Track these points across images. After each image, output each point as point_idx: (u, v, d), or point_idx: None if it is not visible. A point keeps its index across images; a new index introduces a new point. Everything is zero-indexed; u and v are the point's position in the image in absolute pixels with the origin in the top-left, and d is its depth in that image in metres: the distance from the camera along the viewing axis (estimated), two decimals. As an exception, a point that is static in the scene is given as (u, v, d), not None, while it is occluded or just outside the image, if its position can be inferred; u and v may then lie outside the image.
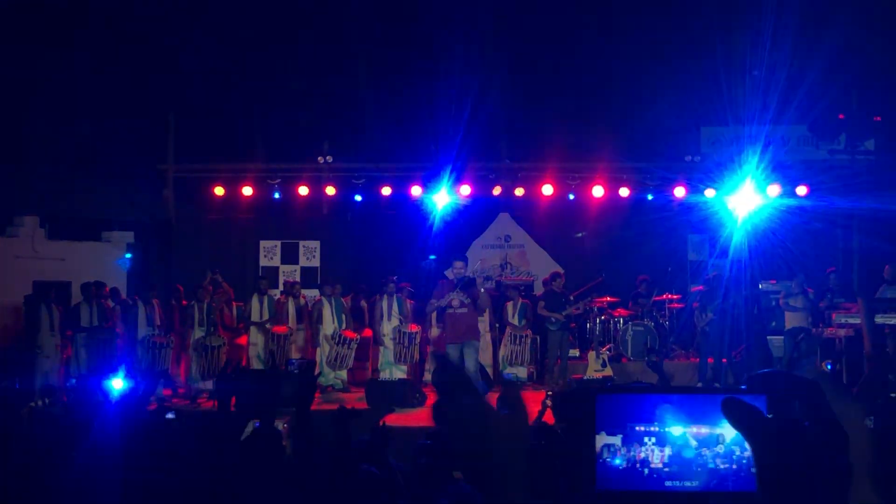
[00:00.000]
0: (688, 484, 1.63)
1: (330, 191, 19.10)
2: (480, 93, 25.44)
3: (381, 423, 5.81)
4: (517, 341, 15.37)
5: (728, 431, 1.61)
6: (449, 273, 17.57)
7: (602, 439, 1.63)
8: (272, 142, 24.44)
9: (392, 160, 23.19)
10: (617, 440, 1.63)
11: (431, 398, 14.25)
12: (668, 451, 1.63)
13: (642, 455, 1.63)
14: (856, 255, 18.13)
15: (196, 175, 19.48)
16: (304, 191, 18.90)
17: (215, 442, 5.22)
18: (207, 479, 4.39)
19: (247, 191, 18.82)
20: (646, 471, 1.64)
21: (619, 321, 16.40)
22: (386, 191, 18.86)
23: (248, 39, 24.87)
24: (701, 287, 16.08)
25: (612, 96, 25.18)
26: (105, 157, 26.68)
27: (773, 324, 16.00)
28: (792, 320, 15.26)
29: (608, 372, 14.45)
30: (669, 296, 17.07)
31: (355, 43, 25.47)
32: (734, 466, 1.63)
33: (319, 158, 19.23)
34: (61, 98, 26.76)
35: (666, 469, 1.64)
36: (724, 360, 15.10)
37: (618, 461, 1.63)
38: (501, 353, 15.51)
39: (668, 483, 1.64)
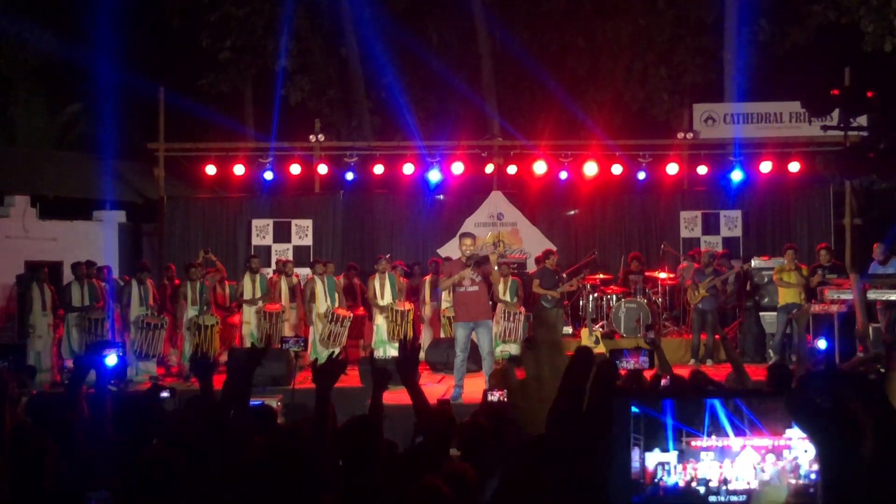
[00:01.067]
0: (734, 499, 1.51)
1: (322, 169, 19.07)
2: (473, 72, 25.42)
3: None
4: (510, 318, 15.30)
5: (793, 441, 1.50)
6: (444, 251, 17.64)
7: (655, 457, 1.49)
8: (264, 120, 24.43)
9: (384, 138, 23.20)
10: (672, 457, 1.50)
11: (425, 375, 14.26)
12: (727, 465, 1.51)
13: (699, 474, 1.51)
14: (847, 232, 18.13)
15: (187, 154, 19.40)
16: (295, 169, 18.87)
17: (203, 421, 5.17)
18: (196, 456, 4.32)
19: (238, 170, 18.76)
20: (702, 489, 1.51)
21: (611, 298, 16.36)
22: (378, 169, 18.81)
23: (240, 19, 24.77)
24: (692, 263, 16.05)
25: (603, 75, 25.20)
26: (95, 137, 26.64)
27: (766, 300, 15.99)
28: (785, 296, 15.23)
29: (601, 349, 14.39)
30: (662, 272, 17.04)
31: (347, 23, 25.39)
32: (801, 480, 1.51)
33: (311, 137, 19.17)
34: (51, 79, 26.68)
35: (726, 487, 1.52)
36: (718, 337, 15.09)
37: (675, 481, 1.51)
38: (494, 330, 15.45)
39: (711, 499, 1.51)
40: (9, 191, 18.27)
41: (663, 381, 7.81)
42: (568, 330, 15.97)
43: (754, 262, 16.60)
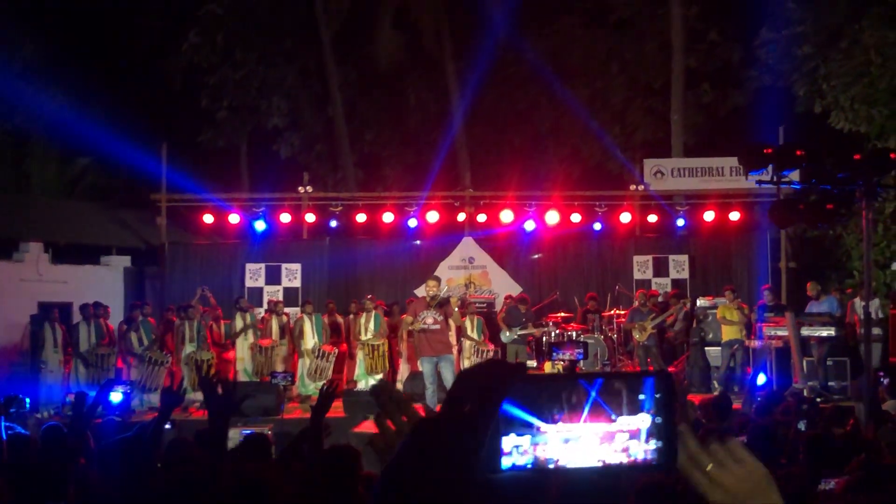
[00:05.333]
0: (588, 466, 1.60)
1: (310, 217, 19.15)
2: (446, 129, 25.60)
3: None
4: (479, 354, 15.36)
5: (633, 422, 1.60)
6: (420, 291, 17.69)
7: (511, 441, 1.59)
8: (257, 173, 24.51)
9: (367, 189, 23.32)
10: (525, 441, 1.60)
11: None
12: (574, 444, 1.60)
13: (549, 454, 1.60)
14: (783, 274, 18.30)
15: (187, 204, 19.43)
16: (285, 218, 18.95)
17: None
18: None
19: (233, 218, 18.83)
20: (550, 467, 1.60)
21: (572, 335, 16.42)
22: (361, 217, 18.91)
23: (236, 81, 24.89)
24: (634, 307, 16.12)
25: (563, 133, 25.45)
26: (104, 188, 26.61)
27: (711, 336, 16.10)
28: (727, 333, 15.36)
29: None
30: (617, 311, 17.13)
31: (334, 85, 25.56)
32: (642, 454, 1.60)
33: (300, 188, 19.25)
34: (63, 134, 26.66)
35: (568, 465, 1.61)
36: (672, 370, 15.19)
37: (526, 461, 1.60)
38: (465, 365, 15.49)
39: (569, 465, 1.61)
40: (24, 237, 18.19)
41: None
42: (532, 364, 15.99)
43: (699, 302, 16.73)
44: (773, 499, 1.60)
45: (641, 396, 1.60)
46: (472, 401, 1.47)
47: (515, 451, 1.58)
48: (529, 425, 1.57)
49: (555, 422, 1.59)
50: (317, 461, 4.47)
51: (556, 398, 1.60)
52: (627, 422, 1.59)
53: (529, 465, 1.57)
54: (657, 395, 1.60)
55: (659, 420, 1.59)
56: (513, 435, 1.57)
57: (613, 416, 1.59)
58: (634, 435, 1.59)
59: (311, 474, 4.42)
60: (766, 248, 18.40)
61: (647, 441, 1.59)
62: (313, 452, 4.65)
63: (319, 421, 4.82)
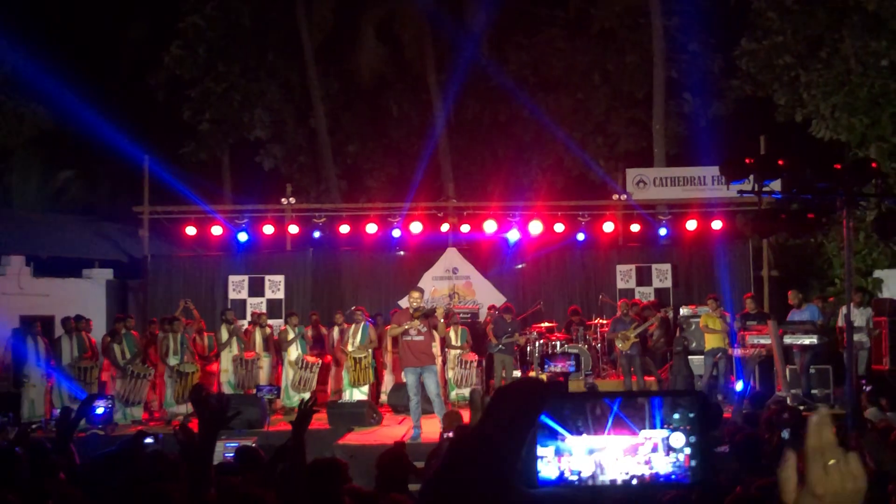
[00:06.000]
0: (617, 479, 1.63)
1: (293, 229, 19.14)
2: (429, 141, 25.63)
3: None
4: (464, 365, 15.37)
5: (658, 434, 1.63)
6: (403, 302, 17.68)
7: (538, 451, 1.62)
8: (240, 185, 24.47)
9: (350, 201, 23.32)
10: (549, 452, 1.63)
11: (387, 418, 14.26)
12: (597, 457, 1.63)
13: (574, 466, 1.63)
14: (766, 282, 18.38)
15: (169, 217, 19.38)
16: (269, 229, 18.92)
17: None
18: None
19: (216, 230, 18.80)
20: (575, 479, 1.63)
21: (556, 344, 16.43)
22: (344, 229, 18.89)
23: (218, 94, 24.86)
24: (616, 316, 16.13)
25: (546, 143, 25.52)
26: (86, 201, 26.52)
27: (694, 344, 16.13)
28: (710, 341, 15.39)
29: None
30: (600, 321, 17.16)
31: (316, 97, 25.56)
32: (666, 468, 1.63)
33: (283, 200, 19.23)
34: (45, 148, 26.58)
35: (594, 478, 1.64)
36: (652, 378, 15.22)
37: (551, 473, 1.62)
38: (449, 375, 15.50)
39: (596, 482, 1.63)
40: (6, 251, 18.10)
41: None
42: (516, 373, 15.99)
43: (682, 311, 16.77)
44: None
45: (675, 416, 1.64)
46: (509, 417, 1.48)
47: (543, 461, 1.60)
48: (555, 435, 1.60)
49: (580, 433, 1.62)
50: (300, 476, 4.44)
51: (580, 411, 1.62)
52: (650, 435, 1.63)
53: (555, 478, 1.60)
54: (691, 415, 1.64)
55: (693, 439, 1.63)
56: (538, 446, 1.60)
57: (636, 430, 1.62)
58: (655, 448, 1.62)
59: (295, 489, 4.39)
60: (749, 257, 18.48)
61: (667, 454, 1.63)
62: (296, 468, 4.63)
63: (301, 436, 4.80)
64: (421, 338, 12.06)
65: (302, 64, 25.58)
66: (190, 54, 24.58)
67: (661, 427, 1.63)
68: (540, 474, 1.60)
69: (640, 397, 1.65)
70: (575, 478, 1.61)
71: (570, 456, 1.61)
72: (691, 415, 1.63)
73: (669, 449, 1.63)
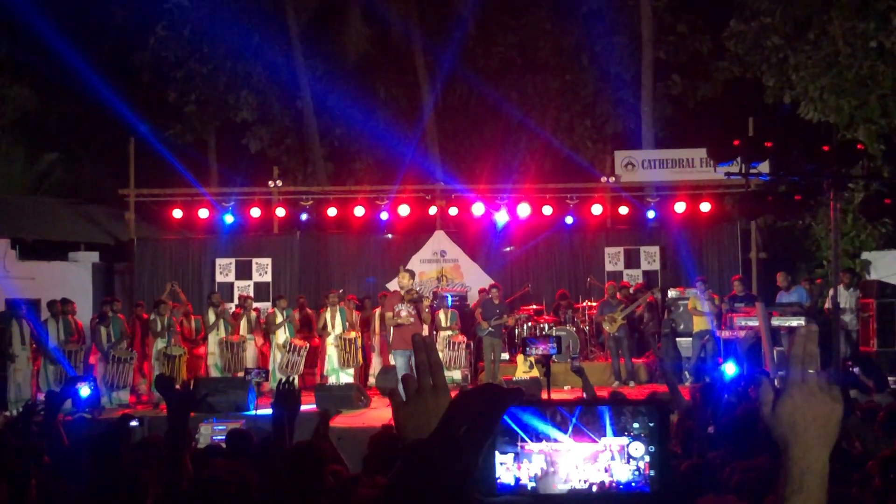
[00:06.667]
0: (576, 487, 1.62)
1: (280, 212, 19.09)
2: (417, 123, 25.57)
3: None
4: (453, 347, 15.39)
5: (617, 441, 1.63)
6: (392, 285, 17.68)
7: (496, 458, 1.62)
8: (226, 167, 24.38)
9: (337, 183, 23.27)
10: (509, 458, 1.63)
11: (375, 401, 14.28)
12: (557, 463, 1.63)
13: (532, 472, 1.63)
14: (754, 265, 18.43)
15: (155, 199, 19.31)
16: (256, 212, 18.89)
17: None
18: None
19: (203, 213, 18.76)
20: (532, 485, 1.63)
21: (544, 327, 16.44)
22: (332, 211, 18.86)
23: (203, 75, 24.73)
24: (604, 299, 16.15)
25: (534, 125, 25.47)
26: (72, 185, 26.39)
27: (682, 326, 16.19)
28: (698, 324, 15.45)
29: (535, 373, 14.48)
30: (588, 303, 17.20)
31: (303, 78, 25.46)
32: (626, 476, 1.63)
33: (270, 183, 19.17)
34: (29, 130, 26.43)
35: (552, 484, 1.64)
36: (644, 361, 15.27)
37: (510, 479, 1.63)
38: (440, 356, 15.50)
39: (559, 486, 1.62)
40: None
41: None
42: (505, 356, 16.02)
43: (670, 293, 16.82)
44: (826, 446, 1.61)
45: (635, 425, 1.63)
46: (467, 424, 1.47)
47: (502, 467, 1.60)
48: (515, 441, 1.60)
49: (539, 440, 1.61)
50: (280, 459, 4.44)
51: (540, 417, 1.62)
52: (610, 443, 1.63)
53: (514, 484, 1.59)
54: (651, 425, 1.63)
55: (653, 448, 1.63)
56: (497, 453, 1.59)
57: (596, 438, 1.62)
58: (619, 453, 1.62)
59: (275, 472, 4.39)
60: (737, 239, 18.52)
61: (627, 462, 1.62)
62: (276, 451, 4.63)
63: (280, 419, 4.77)
64: (412, 320, 12.08)
65: (288, 45, 25.45)
66: (174, 35, 24.43)
67: (621, 435, 1.63)
68: (499, 480, 1.61)
69: (599, 405, 1.64)
70: (534, 484, 1.61)
71: (529, 462, 1.62)
72: (651, 424, 1.63)
73: (629, 457, 1.62)
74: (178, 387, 4.28)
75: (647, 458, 1.62)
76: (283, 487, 4.21)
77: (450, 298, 17.00)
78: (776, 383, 1.70)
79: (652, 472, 1.61)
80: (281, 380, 4.92)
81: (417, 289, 12.69)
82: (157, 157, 21.10)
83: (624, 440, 1.62)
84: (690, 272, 17.83)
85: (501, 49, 25.46)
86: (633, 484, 1.62)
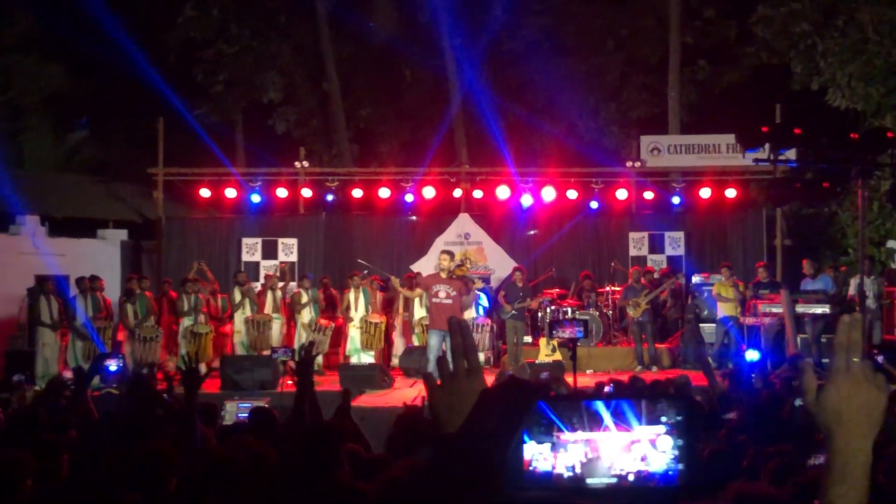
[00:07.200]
0: (606, 481, 1.63)
1: (306, 192, 19.14)
2: (442, 105, 25.54)
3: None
4: (477, 330, 15.42)
5: (651, 432, 1.64)
6: (415, 267, 17.72)
7: (531, 448, 1.63)
8: (253, 148, 24.45)
9: (362, 165, 23.30)
10: (545, 448, 1.64)
11: (399, 381, 14.32)
12: (592, 453, 1.64)
13: (570, 462, 1.64)
14: (779, 251, 18.33)
15: (183, 178, 19.40)
16: (282, 192, 18.94)
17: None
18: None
19: (230, 192, 18.83)
20: (568, 475, 1.64)
21: (567, 311, 16.44)
22: (357, 193, 18.89)
23: (231, 56, 24.80)
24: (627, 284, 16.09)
25: (560, 109, 25.39)
26: (101, 163, 26.56)
27: (706, 312, 16.15)
28: (722, 310, 15.41)
29: (557, 356, 14.49)
30: (612, 287, 17.16)
31: (329, 59, 25.48)
32: (660, 466, 1.64)
33: (296, 163, 19.22)
34: (58, 108, 26.60)
35: (587, 474, 1.64)
36: (667, 346, 15.25)
37: (545, 468, 1.64)
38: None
39: (589, 480, 1.63)
40: (21, 211, 18.18)
41: (606, 388, 7.88)
42: (528, 339, 16.04)
43: (694, 279, 16.78)
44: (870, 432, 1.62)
45: (663, 418, 1.64)
46: (494, 420, 1.49)
47: (539, 457, 1.62)
48: (551, 431, 1.61)
49: (574, 430, 1.63)
50: (299, 438, 4.48)
51: (575, 407, 1.64)
52: (645, 431, 1.64)
53: (549, 472, 1.61)
54: (678, 418, 1.64)
55: (681, 443, 1.63)
56: (533, 442, 1.61)
57: (631, 427, 1.63)
58: (653, 444, 1.64)
59: (292, 450, 4.43)
60: (762, 226, 18.42)
61: (660, 454, 1.63)
62: (296, 426, 4.66)
63: (304, 390, 4.80)
64: (450, 301, 12.08)
65: (314, 26, 25.46)
66: (203, 16, 24.50)
67: (651, 426, 1.63)
68: (535, 469, 1.62)
69: (631, 398, 1.65)
70: (570, 473, 1.63)
71: (565, 452, 1.63)
72: (679, 417, 1.63)
73: (660, 450, 1.63)
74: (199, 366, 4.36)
75: (675, 452, 1.63)
76: (299, 465, 4.24)
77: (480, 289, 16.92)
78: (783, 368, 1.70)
79: (680, 466, 1.62)
80: (302, 345, 4.97)
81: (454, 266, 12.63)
82: (185, 137, 21.20)
83: (658, 429, 1.63)
84: (714, 258, 17.77)
85: (528, 32, 25.35)
86: (668, 471, 1.63)
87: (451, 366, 1.74)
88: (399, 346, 16.14)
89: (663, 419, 1.63)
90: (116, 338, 15.05)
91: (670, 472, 1.63)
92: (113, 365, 13.03)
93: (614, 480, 1.63)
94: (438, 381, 1.75)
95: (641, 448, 1.63)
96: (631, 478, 1.63)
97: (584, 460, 1.63)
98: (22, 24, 24.72)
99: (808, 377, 1.67)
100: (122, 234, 19.78)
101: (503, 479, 1.54)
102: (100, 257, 18.41)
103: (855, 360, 1.62)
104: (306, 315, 15.58)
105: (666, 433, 1.63)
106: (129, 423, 6.08)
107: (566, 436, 1.63)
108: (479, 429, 1.49)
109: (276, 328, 15.84)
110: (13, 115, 26.17)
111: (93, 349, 14.12)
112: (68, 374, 13.17)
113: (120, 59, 21.77)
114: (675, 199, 18.69)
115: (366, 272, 16.34)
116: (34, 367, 14.10)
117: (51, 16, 23.56)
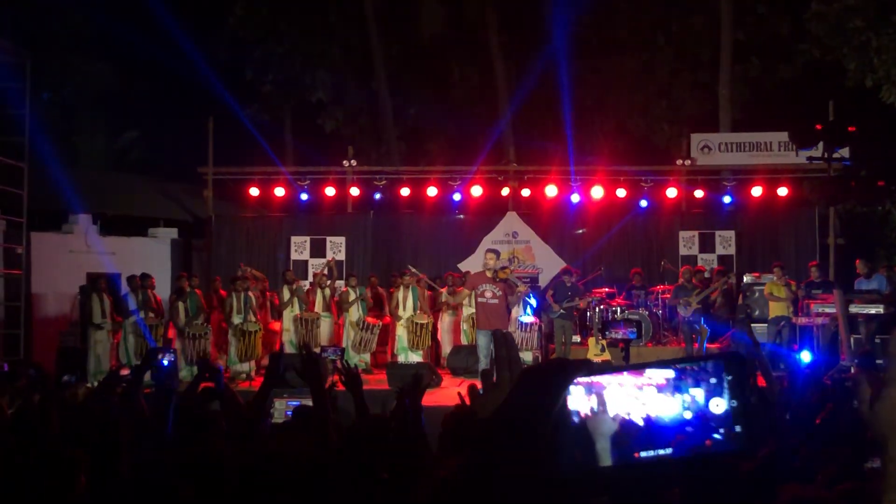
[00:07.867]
0: (662, 452, 1.55)
1: (354, 191, 19.23)
2: (490, 103, 25.52)
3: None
4: (525, 329, 15.36)
5: (699, 395, 1.57)
6: (463, 266, 17.71)
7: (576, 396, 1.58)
8: (302, 147, 24.60)
9: (410, 163, 23.34)
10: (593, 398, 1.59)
11: (447, 380, 14.32)
12: (594, 399, 1.58)
13: (571, 406, 1.58)
14: (831, 251, 18.07)
15: (233, 177, 19.57)
16: (330, 191, 19.05)
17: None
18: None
19: (279, 191, 18.99)
20: (616, 449, 1.58)
21: (616, 310, 16.33)
22: (405, 191, 18.95)
23: (280, 55, 24.96)
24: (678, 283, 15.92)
25: (609, 106, 25.26)
26: (151, 162, 26.88)
27: (757, 312, 15.96)
28: (774, 309, 15.22)
29: (606, 356, 14.42)
30: (662, 287, 17.02)
31: (377, 58, 25.57)
32: (712, 431, 1.56)
33: (344, 162, 19.30)
34: (110, 108, 26.96)
35: (639, 442, 1.58)
36: (717, 345, 15.10)
37: (586, 409, 1.58)
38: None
39: (642, 454, 1.56)
40: (73, 209, 18.44)
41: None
42: (576, 339, 15.96)
43: (746, 278, 16.59)
44: None
45: (713, 380, 1.57)
46: (536, 395, 1.48)
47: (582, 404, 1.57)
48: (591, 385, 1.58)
49: (619, 373, 1.59)
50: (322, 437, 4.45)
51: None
52: (694, 394, 1.57)
53: (591, 412, 1.57)
54: (729, 378, 1.57)
55: (735, 403, 1.56)
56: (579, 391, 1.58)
57: (674, 393, 1.58)
58: (705, 408, 1.57)
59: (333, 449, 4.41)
60: (815, 225, 18.16)
61: (711, 419, 1.56)
62: (319, 426, 4.62)
63: (317, 391, 4.76)
64: (496, 301, 11.98)
65: (363, 25, 25.56)
66: (253, 16, 24.70)
67: (701, 389, 1.57)
68: (576, 410, 1.57)
69: (678, 363, 1.59)
70: (575, 418, 1.57)
71: (606, 391, 1.58)
72: (729, 377, 1.56)
73: (713, 416, 1.56)
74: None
75: (729, 414, 1.55)
76: (341, 463, 4.23)
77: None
78: (852, 371, 1.68)
79: (738, 428, 1.55)
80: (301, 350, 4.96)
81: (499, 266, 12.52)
82: (234, 136, 21.38)
83: (706, 395, 1.56)
84: (766, 257, 17.56)
85: (577, 29, 25.23)
86: (718, 442, 1.55)
87: (494, 377, 1.73)
88: (446, 344, 16.13)
89: (712, 381, 1.56)
90: (167, 335, 15.19)
91: (721, 442, 1.55)
92: (166, 359, 13.21)
93: (669, 451, 1.56)
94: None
95: (686, 414, 1.56)
96: (685, 446, 1.56)
97: (626, 399, 1.57)
98: (74, 25, 25.07)
99: (863, 386, 1.64)
100: (173, 233, 20.00)
101: (549, 449, 1.51)
102: (151, 256, 18.62)
103: None
104: (354, 313, 15.63)
105: (717, 395, 1.56)
106: (184, 419, 6.11)
107: (608, 379, 1.58)
108: (520, 403, 1.49)
109: (326, 326, 15.90)
110: (66, 114, 26.56)
111: (145, 346, 14.26)
112: (125, 373, 13.35)
113: (171, 59, 22.02)
114: (726, 198, 18.52)
115: (415, 270, 16.33)
116: (86, 364, 14.28)
117: (102, 16, 23.86)
